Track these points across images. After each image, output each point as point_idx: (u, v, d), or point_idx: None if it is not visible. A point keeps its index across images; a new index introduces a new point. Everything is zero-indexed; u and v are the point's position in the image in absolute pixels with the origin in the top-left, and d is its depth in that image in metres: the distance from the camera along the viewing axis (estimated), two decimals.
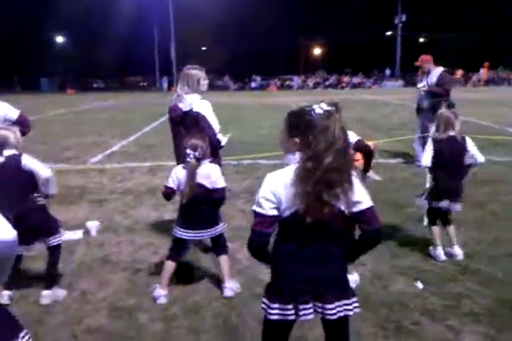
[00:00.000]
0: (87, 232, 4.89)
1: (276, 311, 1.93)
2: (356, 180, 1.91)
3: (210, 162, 3.44)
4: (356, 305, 2.00)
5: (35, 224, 3.27)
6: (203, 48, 53.69)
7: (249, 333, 2.94)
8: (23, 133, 4.39)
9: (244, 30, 48.72)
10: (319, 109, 1.85)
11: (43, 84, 50.39)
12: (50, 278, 3.47)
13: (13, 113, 4.30)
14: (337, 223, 1.88)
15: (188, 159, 3.25)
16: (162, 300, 3.38)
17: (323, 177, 1.80)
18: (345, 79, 42.43)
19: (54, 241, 3.36)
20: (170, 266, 3.46)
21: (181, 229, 3.41)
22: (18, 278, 3.62)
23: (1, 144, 3.15)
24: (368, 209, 1.93)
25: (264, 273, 3.83)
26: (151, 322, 3.16)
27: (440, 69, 7.73)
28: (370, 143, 4.21)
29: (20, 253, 3.28)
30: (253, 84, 42.17)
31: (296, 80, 42.48)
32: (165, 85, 42.45)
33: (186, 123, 4.12)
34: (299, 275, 1.93)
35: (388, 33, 50.94)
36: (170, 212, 5.32)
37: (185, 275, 3.81)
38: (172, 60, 43.19)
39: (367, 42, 47.59)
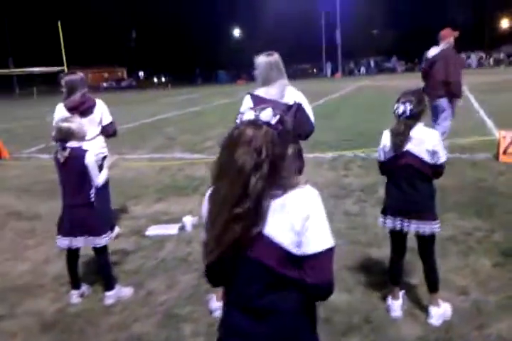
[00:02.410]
0: (183, 227, 4.93)
1: None
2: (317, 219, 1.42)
3: None
4: None
5: (80, 219, 3.29)
6: (373, 31, 51.61)
7: None
8: (107, 136, 4.65)
9: (416, 7, 45.28)
10: (241, 117, 1.40)
11: (220, 76, 54.26)
12: (107, 280, 3.49)
13: (107, 118, 4.59)
14: (275, 262, 1.41)
15: None
16: (218, 313, 3.16)
17: (223, 211, 1.39)
18: None
19: (96, 242, 3.33)
20: None
21: None
22: (95, 273, 3.78)
23: (65, 137, 3.24)
24: (316, 255, 1.41)
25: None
26: (192, 336, 2.98)
27: (441, 46, 6.61)
28: None
29: (64, 246, 3.37)
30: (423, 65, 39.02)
31: (474, 58, 38.03)
32: (328, 71, 42.06)
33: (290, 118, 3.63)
34: (237, 328, 1.50)
35: None
36: None
37: None
38: (337, 45, 42.41)
39: None
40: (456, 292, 3.26)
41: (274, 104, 3.46)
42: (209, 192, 1.50)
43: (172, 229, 4.91)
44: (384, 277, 3.34)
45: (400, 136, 2.78)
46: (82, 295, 3.55)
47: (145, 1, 57.01)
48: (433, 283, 2.93)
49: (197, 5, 55.98)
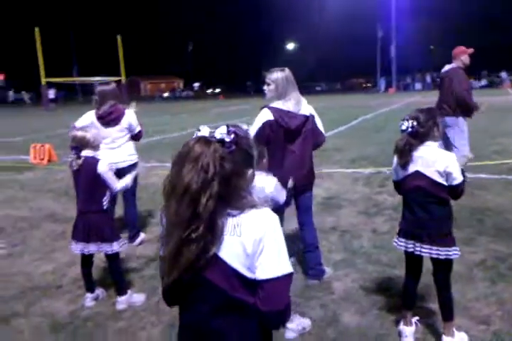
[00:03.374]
0: None
1: None
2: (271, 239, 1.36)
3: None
4: None
5: (93, 226, 3.33)
6: (431, 46, 50.51)
7: None
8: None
9: (473, 26, 43.92)
10: (196, 133, 1.38)
11: None
12: (118, 286, 3.52)
13: (136, 127, 4.69)
14: (226, 285, 1.35)
15: None
16: None
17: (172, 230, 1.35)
18: None
19: (107, 249, 3.36)
20: None
21: None
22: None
23: (80, 145, 3.32)
24: (269, 281, 1.33)
25: (347, 313, 3.22)
26: None
27: (452, 64, 6.52)
28: None
29: (77, 251, 3.43)
30: (482, 82, 37.66)
31: None
32: (382, 86, 41.32)
33: (306, 130, 3.66)
34: None
35: None
36: None
37: None
38: (392, 60, 41.65)
39: None
40: (477, 321, 3.04)
41: (294, 115, 3.45)
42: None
43: None
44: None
45: (402, 153, 2.69)
46: (96, 299, 3.60)
47: (202, 15, 58.69)
48: (447, 311, 2.74)
49: (252, 19, 57.03)
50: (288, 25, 56.12)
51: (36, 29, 30.49)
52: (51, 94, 33.44)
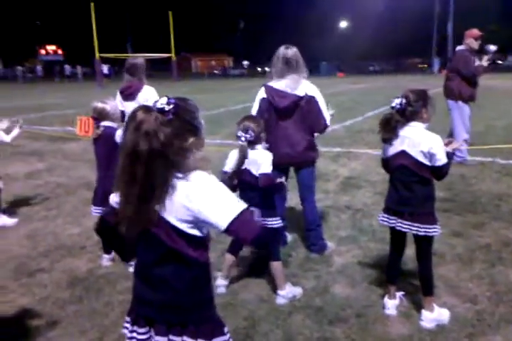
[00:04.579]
0: None
1: (126, 331, 1.70)
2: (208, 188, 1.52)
3: (266, 149, 3.15)
4: None
5: (109, 191, 3.59)
6: (490, 26, 47.86)
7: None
8: None
9: None
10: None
11: (322, 67, 53.59)
12: None
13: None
14: (166, 237, 1.54)
15: (240, 142, 2.98)
16: (221, 290, 3.35)
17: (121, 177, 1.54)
18: None
19: None
20: (228, 258, 3.42)
21: None
22: None
23: (100, 116, 3.60)
24: (229, 226, 1.49)
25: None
26: None
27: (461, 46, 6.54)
28: None
29: (97, 214, 3.73)
30: None
31: None
32: (436, 67, 39.78)
33: (300, 110, 3.67)
34: (139, 295, 1.67)
35: None
36: None
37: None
38: (448, 40, 39.91)
39: None
40: (464, 299, 3.13)
41: (285, 94, 3.57)
42: None
43: None
44: None
45: (384, 127, 2.77)
46: (112, 260, 3.92)
47: None
48: (425, 287, 2.85)
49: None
50: (341, 3, 54.60)
51: (92, 4, 31.31)
52: (105, 69, 34.52)
